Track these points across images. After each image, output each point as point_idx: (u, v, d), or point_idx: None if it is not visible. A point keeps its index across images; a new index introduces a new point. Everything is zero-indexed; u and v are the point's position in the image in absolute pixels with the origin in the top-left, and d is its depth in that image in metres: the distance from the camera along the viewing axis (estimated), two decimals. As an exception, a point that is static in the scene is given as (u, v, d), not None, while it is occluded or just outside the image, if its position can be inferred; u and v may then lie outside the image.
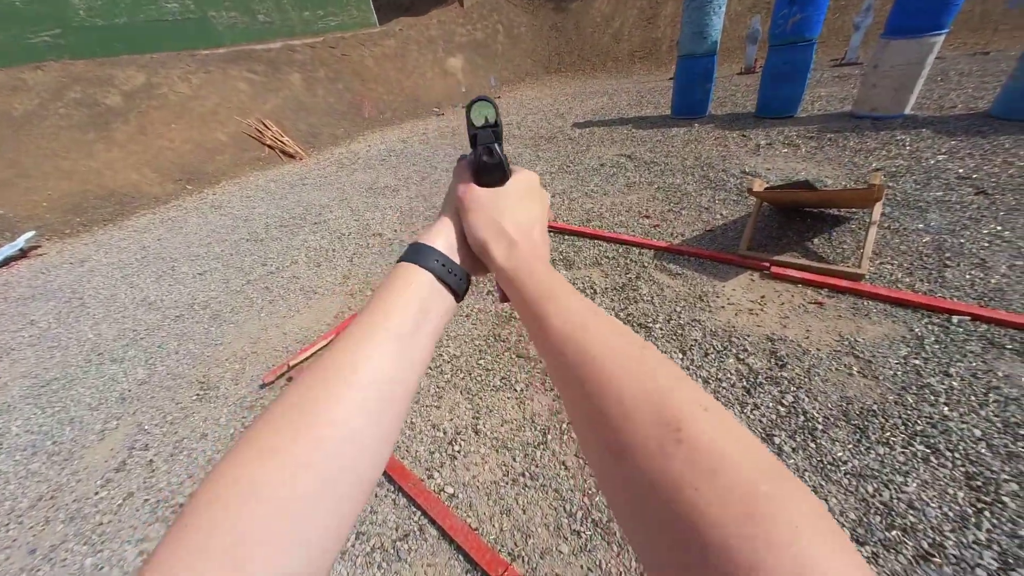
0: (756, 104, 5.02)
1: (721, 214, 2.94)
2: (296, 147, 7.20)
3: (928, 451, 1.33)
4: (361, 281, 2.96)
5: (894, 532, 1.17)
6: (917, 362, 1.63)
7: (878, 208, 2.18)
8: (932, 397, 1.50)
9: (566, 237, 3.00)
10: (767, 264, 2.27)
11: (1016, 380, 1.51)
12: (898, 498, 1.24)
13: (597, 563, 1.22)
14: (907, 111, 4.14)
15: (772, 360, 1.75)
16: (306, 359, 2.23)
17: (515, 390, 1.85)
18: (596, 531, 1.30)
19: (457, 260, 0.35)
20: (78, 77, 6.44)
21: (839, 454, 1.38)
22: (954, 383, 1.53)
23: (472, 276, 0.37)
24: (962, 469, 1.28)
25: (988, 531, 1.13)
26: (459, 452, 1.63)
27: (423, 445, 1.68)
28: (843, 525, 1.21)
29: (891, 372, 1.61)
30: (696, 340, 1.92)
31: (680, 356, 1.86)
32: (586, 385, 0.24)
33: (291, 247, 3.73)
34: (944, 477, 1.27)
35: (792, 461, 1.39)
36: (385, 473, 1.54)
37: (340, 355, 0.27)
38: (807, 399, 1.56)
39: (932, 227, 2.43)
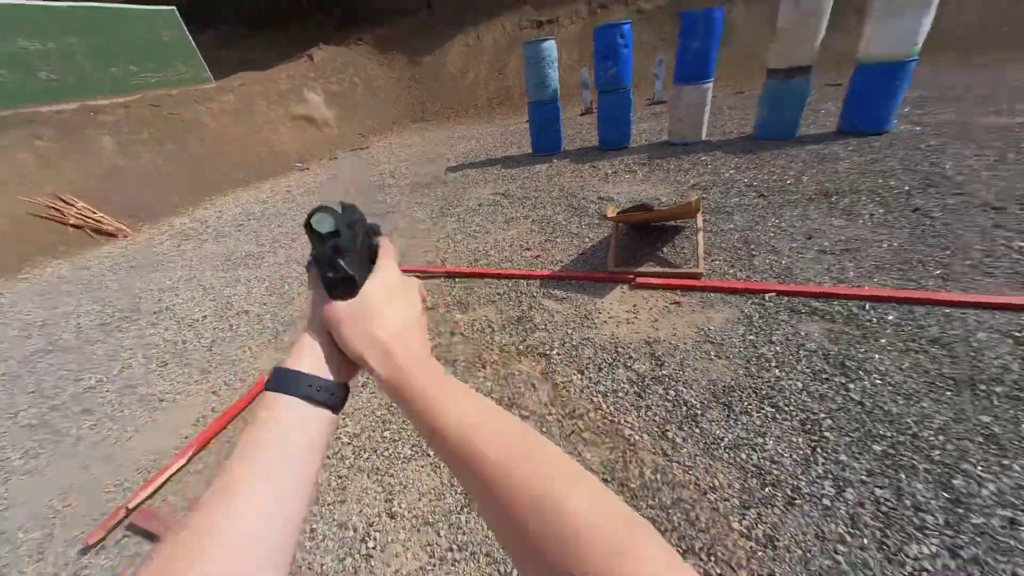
0: (598, 139, 5.90)
1: (589, 237, 3.31)
2: (116, 223, 5.93)
3: (773, 410, 1.64)
4: (228, 372, 2.49)
5: (767, 489, 1.39)
6: (752, 337, 2.02)
7: (700, 218, 2.70)
8: (767, 363, 1.86)
9: (457, 281, 3.02)
10: (632, 276, 2.60)
11: (812, 336, 1.97)
12: (763, 457, 1.48)
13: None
14: (703, 138, 5.31)
15: (653, 362, 1.98)
16: (155, 492, 1.75)
17: (428, 455, 1.73)
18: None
19: (329, 374, 0.35)
20: None
21: (717, 432, 1.60)
22: (777, 348, 1.93)
23: (350, 382, 0.37)
24: (798, 418, 1.59)
25: (823, 464, 1.42)
26: (375, 548, 1.43)
27: (330, 554, 1.44)
28: (732, 495, 1.38)
29: (737, 350, 1.96)
30: (590, 358, 2.07)
31: (579, 375, 1.98)
32: (482, 490, 0.27)
33: (120, 348, 2.98)
34: (788, 429, 1.56)
35: (686, 450, 1.56)
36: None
37: (210, 510, 0.26)
38: (685, 390, 1.80)
39: (738, 226, 3.10)
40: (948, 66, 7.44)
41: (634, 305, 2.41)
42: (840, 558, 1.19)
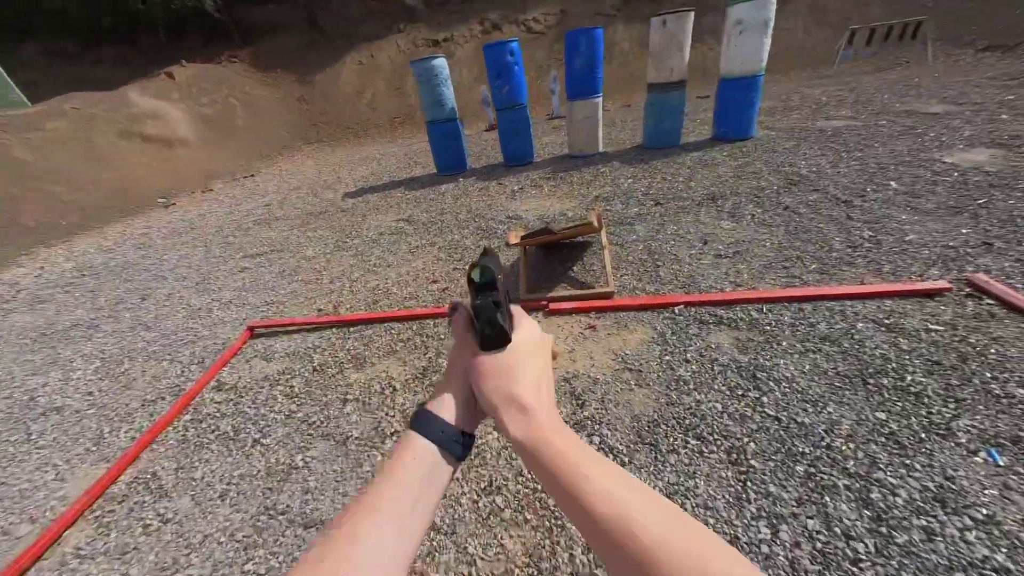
0: (503, 155, 5.82)
1: (500, 261, 3.09)
2: None
3: (699, 443, 1.53)
4: (5, 510, 1.75)
5: (706, 544, 1.23)
6: (668, 358, 1.94)
7: (604, 234, 2.64)
8: (685, 387, 1.77)
9: (351, 331, 2.58)
10: (545, 303, 2.43)
11: (723, 347, 1.95)
12: (697, 503, 1.34)
13: None
14: (600, 150, 5.51)
15: (574, 403, 1.79)
16: None
17: None
18: None
19: (458, 422, 0.37)
20: None
21: (646, 480, 1.43)
22: (693, 367, 1.86)
23: (475, 433, 0.39)
24: (723, 448, 1.50)
25: (755, 500, 1.32)
26: None
27: None
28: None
29: (655, 375, 1.86)
30: (506, 409, 1.82)
31: (495, 433, 1.70)
32: (632, 565, 0.26)
33: None
34: (716, 462, 1.45)
35: (617, 511, 1.36)
36: None
37: (340, 540, 0.29)
38: (610, 433, 1.62)
39: (641, 236, 3.14)
40: (774, 81, 8.84)
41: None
42: (789, 619, 1.06)
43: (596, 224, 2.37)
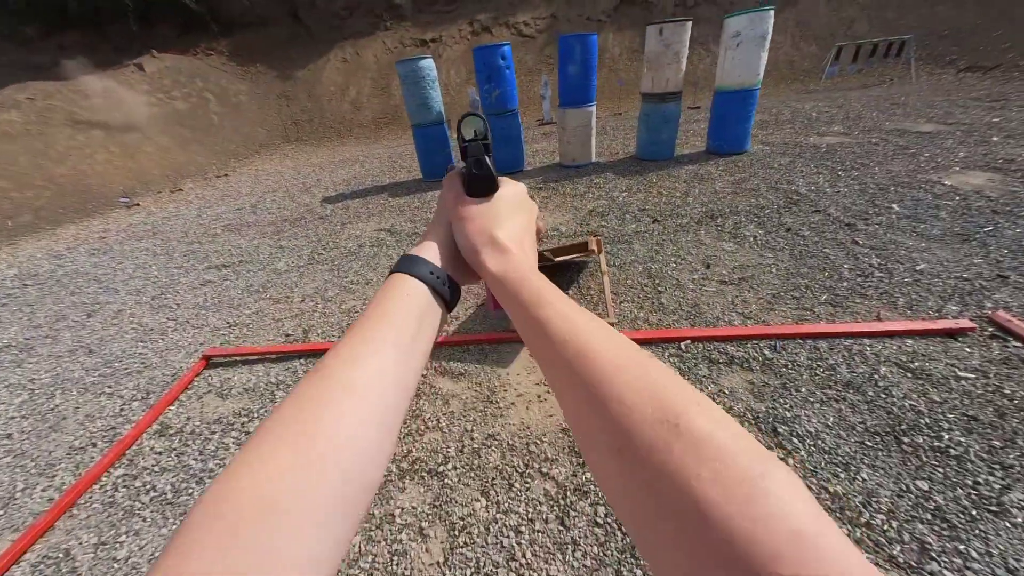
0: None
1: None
2: None
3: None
4: None
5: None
6: (676, 404, 1.74)
7: (603, 259, 2.43)
8: (699, 442, 1.57)
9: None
10: (539, 334, 2.20)
11: (736, 392, 1.76)
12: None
13: None
14: (593, 159, 5.34)
15: (573, 460, 1.57)
16: None
17: None
18: None
19: (448, 270, 0.37)
20: None
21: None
22: (706, 417, 1.66)
23: (461, 285, 0.39)
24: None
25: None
26: None
27: None
28: None
29: (665, 426, 1.65)
30: (496, 467, 1.58)
31: (483, 501, 1.46)
32: (587, 385, 0.25)
33: None
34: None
35: (630, 610, 1.14)
36: None
37: (339, 365, 0.27)
38: (616, 503, 1.40)
39: (639, 257, 2.95)
40: (764, 94, 8.87)
41: (544, 374, 2.00)
42: None
43: (596, 249, 2.17)
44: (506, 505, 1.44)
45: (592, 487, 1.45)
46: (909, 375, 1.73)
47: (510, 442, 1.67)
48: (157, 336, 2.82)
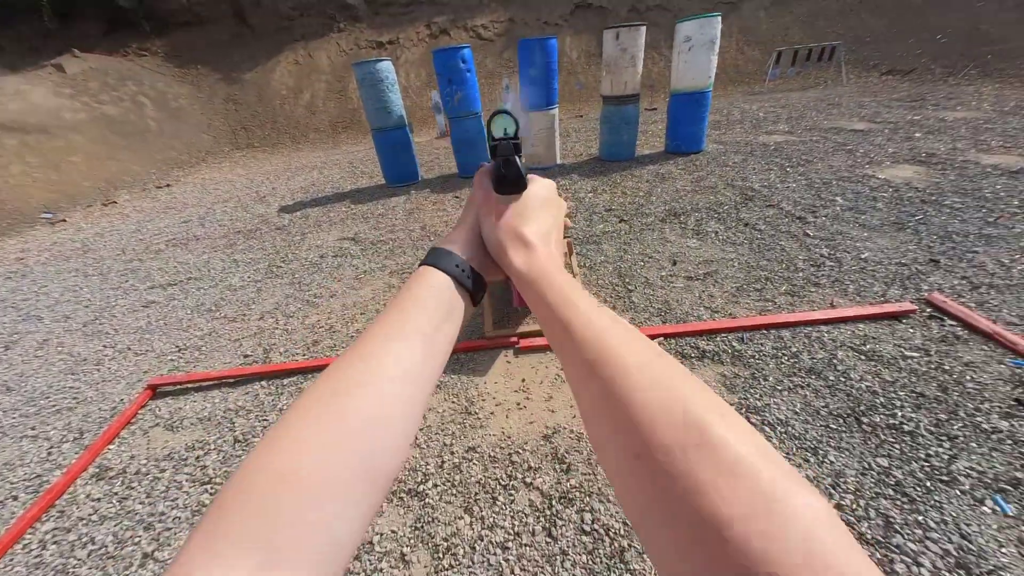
0: (457, 166, 5.52)
1: (459, 289, 2.80)
2: None
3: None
4: None
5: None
6: (654, 402, 1.76)
7: (575, 261, 2.43)
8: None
9: (286, 383, 2.15)
10: (515, 340, 2.17)
11: (710, 385, 1.80)
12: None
13: None
14: (559, 161, 5.39)
15: (557, 467, 1.55)
16: None
17: None
18: None
19: (473, 264, 0.38)
20: None
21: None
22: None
23: (487, 280, 0.39)
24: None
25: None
26: None
27: None
28: None
29: (644, 425, 1.66)
30: (478, 482, 1.53)
31: (467, 518, 1.41)
32: (610, 389, 0.24)
33: None
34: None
35: (622, 617, 1.13)
36: None
37: (370, 348, 0.29)
38: (602, 507, 1.39)
39: (609, 257, 2.98)
40: (715, 97, 9.35)
41: (523, 380, 1.97)
42: None
43: (567, 251, 2.16)
44: (491, 520, 1.39)
45: (577, 494, 1.44)
46: (863, 358, 1.84)
47: (491, 454, 1.63)
48: (92, 367, 2.54)
